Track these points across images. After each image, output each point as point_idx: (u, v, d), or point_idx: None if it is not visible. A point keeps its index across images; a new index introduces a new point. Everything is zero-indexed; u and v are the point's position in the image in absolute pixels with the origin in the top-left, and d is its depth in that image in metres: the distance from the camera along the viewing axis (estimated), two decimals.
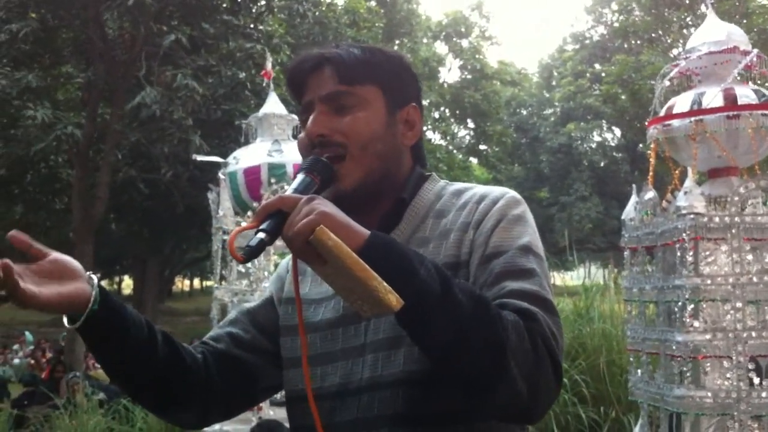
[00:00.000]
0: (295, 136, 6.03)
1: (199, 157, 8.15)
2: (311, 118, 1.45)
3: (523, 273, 1.35)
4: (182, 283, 44.66)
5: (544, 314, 1.29)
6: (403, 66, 1.54)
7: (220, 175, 5.59)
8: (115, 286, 40.53)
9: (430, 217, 1.47)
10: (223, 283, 5.43)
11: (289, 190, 1.35)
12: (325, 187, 1.39)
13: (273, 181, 5.45)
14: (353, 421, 1.38)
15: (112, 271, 36.31)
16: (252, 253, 1.24)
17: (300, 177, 1.37)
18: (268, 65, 6.63)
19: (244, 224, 1.45)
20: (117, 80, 14.83)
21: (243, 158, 5.74)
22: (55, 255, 1.28)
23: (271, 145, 5.72)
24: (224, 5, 15.19)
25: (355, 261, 1.14)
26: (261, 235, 1.24)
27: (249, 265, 5.36)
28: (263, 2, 15.91)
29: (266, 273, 5.20)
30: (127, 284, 39.81)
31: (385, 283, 1.13)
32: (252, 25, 15.92)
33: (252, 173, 5.57)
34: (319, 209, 1.19)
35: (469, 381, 1.23)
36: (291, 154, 5.68)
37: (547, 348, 1.26)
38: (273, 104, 6.10)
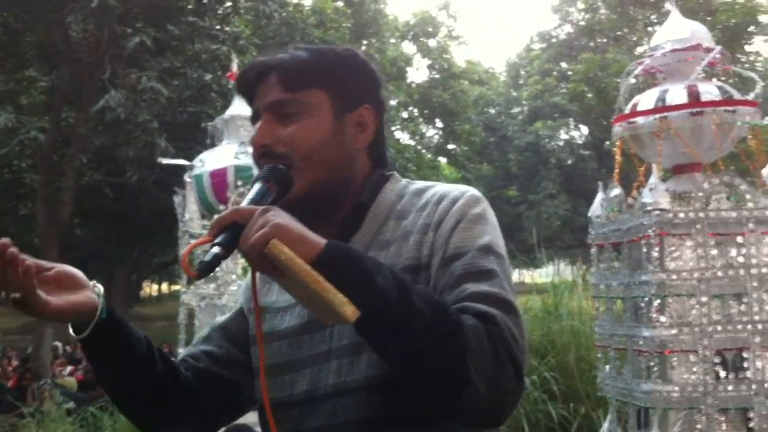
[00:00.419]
0: None
1: (165, 160, 8.07)
2: (256, 127, 1.44)
3: (483, 274, 1.33)
4: (150, 288, 44.25)
5: (504, 316, 1.28)
6: (355, 65, 1.50)
7: (186, 178, 5.53)
8: None
9: (391, 218, 1.45)
10: (190, 287, 5.38)
11: (245, 200, 1.34)
12: (283, 195, 1.38)
13: (240, 183, 5.40)
14: (321, 427, 1.38)
15: None
16: (206, 268, 1.22)
17: (256, 186, 1.36)
18: (234, 67, 6.59)
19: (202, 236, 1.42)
20: (81, 83, 14.65)
21: (209, 161, 5.69)
22: (60, 266, 1.31)
23: (238, 147, 5.67)
24: (189, 7, 15.07)
25: (309, 273, 1.14)
26: (216, 249, 1.22)
27: (216, 268, 5.31)
28: (229, 3, 15.82)
29: (234, 276, 5.16)
30: None
31: (340, 295, 1.13)
32: (218, 27, 15.82)
33: (218, 176, 5.52)
34: (273, 221, 1.18)
35: (431, 387, 1.23)
36: None
37: (508, 351, 1.24)
38: (239, 106, 6.04)
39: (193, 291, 5.35)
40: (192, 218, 5.28)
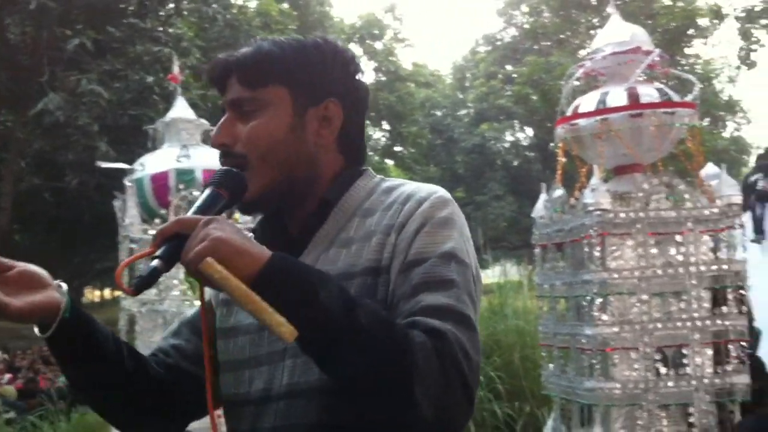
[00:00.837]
0: (204, 141, 5.90)
1: (104, 164, 7.91)
2: (217, 125, 1.41)
3: (441, 284, 1.28)
4: (93, 294, 43.41)
5: (456, 331, 1.22)
6: (320, 58, 1.43)
7: (127, 182, 5.42)
8: None
9: (356, 215, 1.41)
10: None
11: (193, 207, 1.29)
12: (235, 201, 1.34)
13: (181, 187, 5.31)
14: (272, 429, 1.35)
15: None
16: (143, 284, 1.19)
17: (206, 192, 1.31)
18: (176, 69, 6.49)
19: (143, 248, 1.37)
20: (19, 86, 14.32)
21: (150, 164, 5.58)
22: (23, 266, 1.28)
23: (179, 151, 5.57)
24: (131, 8, 14.84)
25: (244, 294, 1.11)
26: (155, 262, 1.18)
27: (155, 282, 5.20)
28: (171, 5, 15.62)
29: (176, 282, 5.07)
30: None
31: (276, 315, 1.10)
32: (160, 29, 15.60)
33: (160, 179, 5.42)
34: (213, 235, 1.14)
35: (374, 405, 1.19)
36: (200, 160, 5.56)
37: (457, 369, 1.19)
38: (181, 109, 5.96)
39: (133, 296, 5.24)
40: (132, 223, 5.18)
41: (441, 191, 1.39)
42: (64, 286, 1.32)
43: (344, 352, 1.14)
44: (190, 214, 1.26)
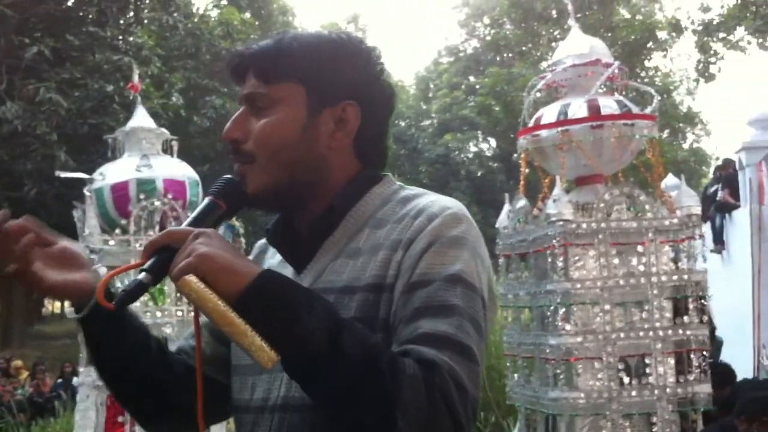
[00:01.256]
0: (165, 150, 5.83)
1: (63, 174, 7.77)
2: (230, 119, 1.38)
3: (442, 310, 1.20)
4: (53, 305, 42.73)
5: (452, 363, 1.15)
6: (341, 56, 1.37)
7: (86, 192, 5.33)
8: None
9: (368, 225, 1.34)
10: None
11: (189, 217, 1.26)
12: (234, 212, 1.32)
13: (142, 197, 5.23)
14: None
15: None
16: (127, 298, 1.15)
17: (204, 202, 1.28)
18: (135, 78, 6.41)
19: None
20: None
21: (110, 174, 5.49)
22: (64, 243, 1.31)
23: (140, 160, 5.49)
24: (90, 17, 14.65)
25: (221, 316, 1.07)
26: (141, 275, 1.15)
27: (119, 284, 5.12)
28: (132, 14, 15.46)
29: None
30: None
31: (257, 339, 1.06)
32: (120, 37, 15.43)
33: (120, 189, 5.33)
34: (198, 251, 1.11)
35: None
36: (161, 169, 5.48)
37: (447, 404, 1.12)
38: (141, 118, 5.88)
39: None
40: (92, 233, 5.07)
41: (455, 207, 1.31)
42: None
43: (325, 378, 1.11)
44: (185, 225, 1.23)
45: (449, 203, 1.32)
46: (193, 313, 1.28)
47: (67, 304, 1.42)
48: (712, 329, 6.13)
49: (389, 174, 1.44)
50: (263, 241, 1.51)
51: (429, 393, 1.11)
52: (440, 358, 1.15)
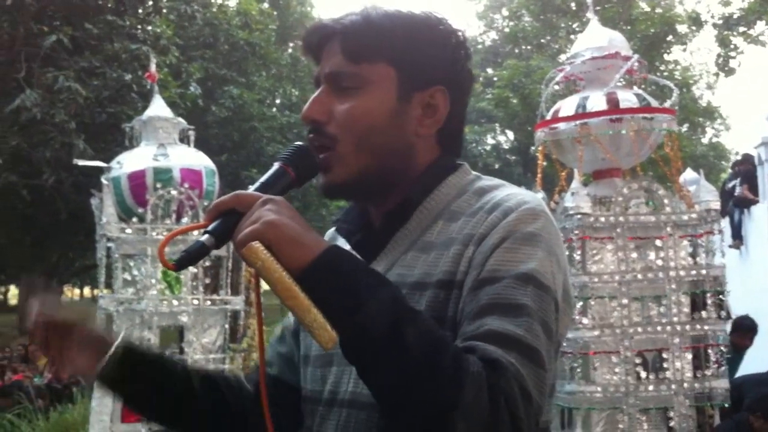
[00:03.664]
0: (181, 140, 5.85)
1: (81, 162, 7.80)
2: (311, 98, 1.29)
3: (511, 309, 1.11)
4: (72, 292, 43.04)
5: (519, 366, 1.06)
6: (435, 37, 1.29)
7: (104, 181, 5.35)
8: (1, 296, 38.71)
9: (442, 218, 1.26)
10: (106, 291, 5.20)
11: (257, 182, 1.19)
12: (303, 182, 1.23)
13: (159, 185, 5.25)
14: None
15: None
16: (187, 259, 1.09)
17: (273, 168, 1.21)
18: (152, 67, 6.42)
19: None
20: None
21: (127, 162, 5.52)
22: (82, 328, 1.34)
23: (157, 149, 5.51)
24: (109, 5, 14.69)
25: (285, 288, 1.02)
26: (204, 237, 1.09)
27: (135, 272, 5.15)
28: (150, 3, 15.48)
29: (153, 281, 5.01)
30: (15, 293, 38.11)
31: (320, 317, 1.02)
32: (139, 27, 15.46)
33: (137, 178, 5.36)
34: (265, 218, 1.06)
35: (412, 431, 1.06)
36: (177, 158, 5.50)
37: (510, 411, 1.03)
38: (158, 107, 5.89)
39: (110, 296, 5.16)
40: (109, 221, 5.10)
41: (534, 202, 1.21)
42: (117, 344, 1.33)
43: (383, 369, 1.03)
44: (252, 189, 1.17)
45: (527, 197, 1.22)
46: (254, 285, 1.24)
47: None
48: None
49: (465, 163, 1.36)
50: (333, 230, 1.44)
51: (492, 398, 1.02)
52: (506, 359, 1.06)
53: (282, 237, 1.05)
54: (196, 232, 1.20)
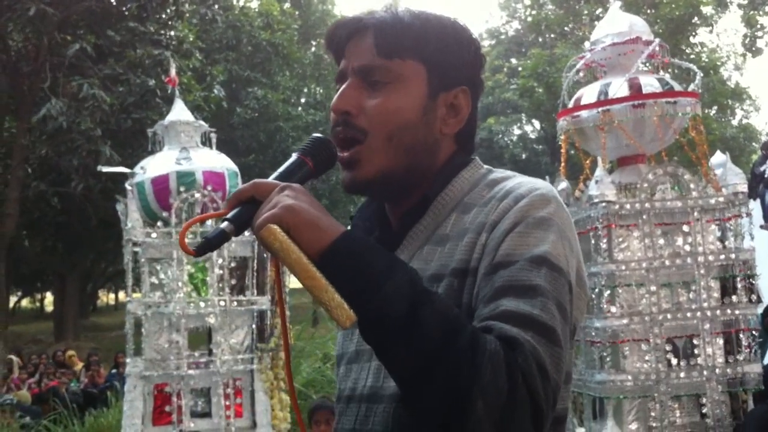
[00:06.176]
0: (204, 143, 5.88)
1: (105, 169, 7.89)
2: (340, 90, 1.29)
3: (526, 290, 1.13)
4: (107, 297, 43.56)
5: (535, 344, 1.08)
6: (461, 40, 1.33)
7: (128, 186, 5.40)
8: (38, 304, 39.33)
9: (455, 210, 1.28)
10: (134, 295, 5.25)
11: (276, 172, 1.21)
12: (321, 173, 1.24)
13: (182, 189, 5.28)
14: (351, 430, 1.29)
15: (33, 288, 35.22)
16: (207, 245, 1.12)
17: (292, 158, 1.22)
18: (172, 72, 6.46)
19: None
20: (22, 93, 14.33)
21: (150, 167, 5.56)
22: None
23: (179, 153, 5.55)
24: (131, 12, 14.81)
25: (304, 269, 1.05)
26: (224, 224, 1.12)
27: (162, 276, 5.19)
28: (172, 8, 15.58)
29: (180, 284, 5.04)
30: (50, 301, 38.73)
31: (337, 297, 1.04)
32: (161, 32, 15.57)
33: (160, 182, 5.40)
34: (284, 203, 1.08)
35: (429, 415, 1.07)
36: (200, 162, 5.54)
37: (528, 388, 1.05)
38: (179, 111, 5.93)
39: (138, 300, 5.21)
40: (135, 226, 5.14)
41: (544, 188, 1.24)
42: None
43: (401, 350, 1.05)
44: (271, 178, 1.18)
45: (539, 184, 1.25)
46: (273, 268, 1.23)
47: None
48: None
49: (476, 157, 1.38)
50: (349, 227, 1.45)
51: (510, 376, 1.04)
52: (523, 337, 1.08)
53: (300, 221, 1.07)
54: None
